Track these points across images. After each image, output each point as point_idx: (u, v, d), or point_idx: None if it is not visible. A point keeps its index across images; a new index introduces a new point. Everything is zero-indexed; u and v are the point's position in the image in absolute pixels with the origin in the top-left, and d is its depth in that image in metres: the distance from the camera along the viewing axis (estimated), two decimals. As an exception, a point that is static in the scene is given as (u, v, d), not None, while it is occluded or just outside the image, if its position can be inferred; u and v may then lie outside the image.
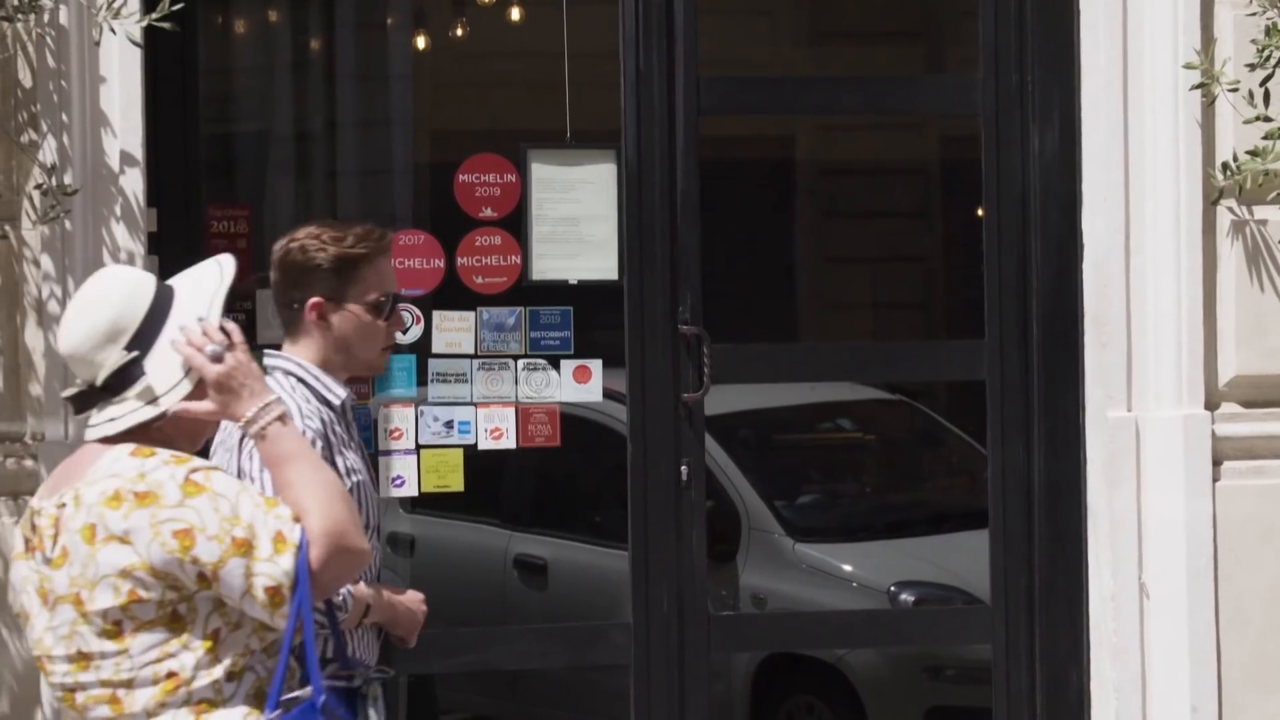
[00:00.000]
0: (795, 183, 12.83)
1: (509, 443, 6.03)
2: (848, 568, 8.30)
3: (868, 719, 8.00)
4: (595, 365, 6.08)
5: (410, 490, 6.02)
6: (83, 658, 3.64)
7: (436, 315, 6.02)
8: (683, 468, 6.13)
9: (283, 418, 3.66)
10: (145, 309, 3.67)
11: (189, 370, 3.64)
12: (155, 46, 5.60)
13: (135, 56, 5.57)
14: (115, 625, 3.59)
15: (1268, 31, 5.71)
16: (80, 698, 3.66)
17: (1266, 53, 5.69)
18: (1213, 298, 6.05)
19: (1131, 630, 6.01)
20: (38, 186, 5.46)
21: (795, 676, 8.11)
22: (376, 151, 6.61)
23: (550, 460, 6.58)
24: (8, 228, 5.56)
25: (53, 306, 5.56)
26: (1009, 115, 6.20)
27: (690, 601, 6.07)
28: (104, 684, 3.63)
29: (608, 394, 6.13)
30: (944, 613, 7.65)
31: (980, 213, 6.30)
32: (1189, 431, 6.00)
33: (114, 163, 5.60)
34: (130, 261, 5.60)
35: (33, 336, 5.59)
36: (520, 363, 6.04)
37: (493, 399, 6.02)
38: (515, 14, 8.91)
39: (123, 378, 3.64)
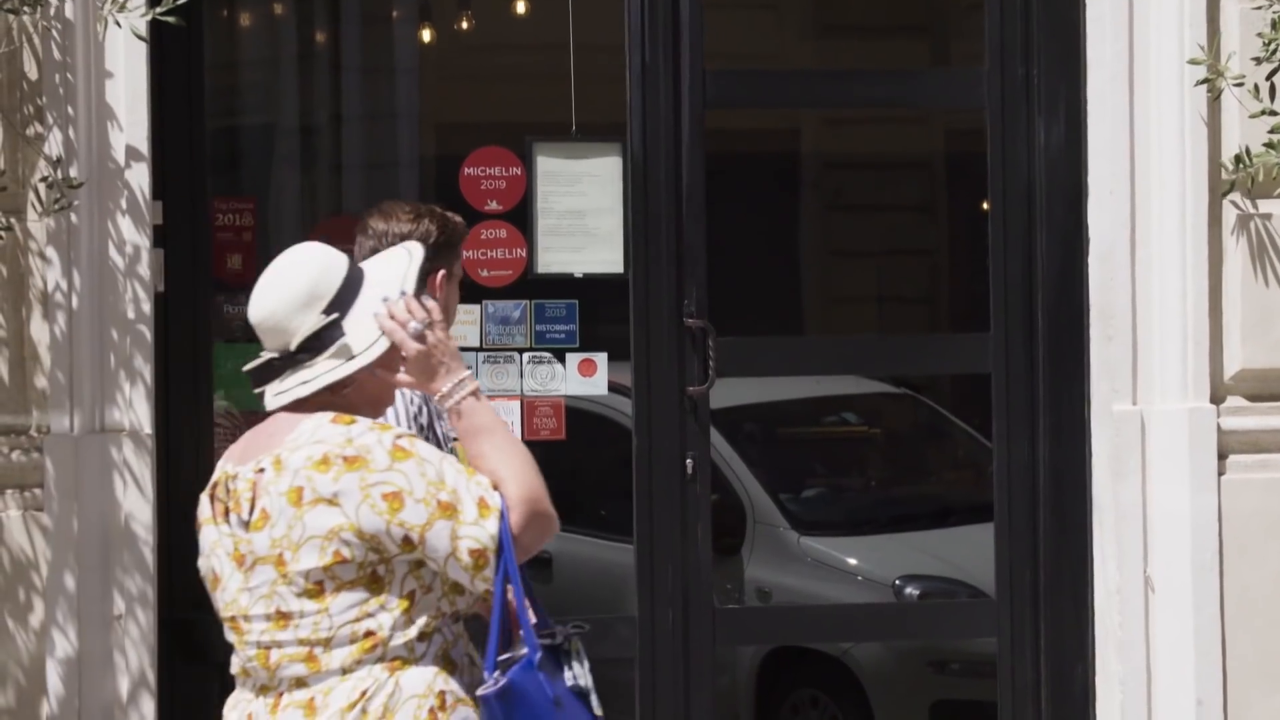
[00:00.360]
0: (800, 176, 12.83)
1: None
2: (853, 561, 8.30)
3: (872, 713, 8.00)
4: (600, 358, 6.08)
5: (415, 483, 6.01)
6: (281, 617, 3.77)
7: (442, 308, 6.01)
8: (688, 461, 6.13)
9: (476, 393, 3.84)
10: (341, 276, 3.83)
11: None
12: (161, 40, 5.60)
13: (141, 50, 5.57)
14: (317, 585, 3.74)
15: (1274, 25, 5.71)
16: (275, 655, 3.80)
17: (1272, 46, 5.69)
18: (1218, 291, 6.04)
19: (1137, 624, 6.01)
20: (43, 179, 5.46)
21: (800, 670, 8.11)
22: (382, 145, 6.61)
23: (555, 453, 6.57)
24: (13, 220, 5.56)
25: (58, 299, 5.56)
26: (1015, 109, 6.19)
27: (695, 595, 6.07)
28: (302, 642, 3.77)
29: (613, 387, 6.13)
30: (949, 606, 7.65)
31: (986, 206, 6.30)
32: (1194, 425, 6.00)
33: (119, 156, 5.60)
34: (135, 255, 5.60)
35: (38, 329, 5.59)
36: (525, 356, 6.05)
37: (498, 392, 6.03)
38: (521, 7, 8.90)
39: (320, 340, 3.80)
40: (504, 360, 6.03)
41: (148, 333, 5.62)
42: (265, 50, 6.48)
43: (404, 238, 4.53)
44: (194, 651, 5.71)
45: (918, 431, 9.90)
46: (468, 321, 6.03)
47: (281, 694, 3.84)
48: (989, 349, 6.25)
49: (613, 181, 6.05)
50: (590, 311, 6.15)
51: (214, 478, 3.88)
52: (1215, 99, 5.94)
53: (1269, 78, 5.70)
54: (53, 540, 5.55)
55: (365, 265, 3.91)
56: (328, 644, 3.76)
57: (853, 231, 12.90)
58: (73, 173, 5.50)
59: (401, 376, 3.87)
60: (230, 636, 3.88)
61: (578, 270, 6.06)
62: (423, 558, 3.73)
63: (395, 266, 3.90)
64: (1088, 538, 6.10)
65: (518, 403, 6.02)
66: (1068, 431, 6.15)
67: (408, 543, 3.71)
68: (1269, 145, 5.74)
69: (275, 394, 3.83)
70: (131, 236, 5.61)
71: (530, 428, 6.03)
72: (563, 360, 6.07)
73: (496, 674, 3.76)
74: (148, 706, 5.59)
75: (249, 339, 5.93)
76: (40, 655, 5.56)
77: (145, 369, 5.61)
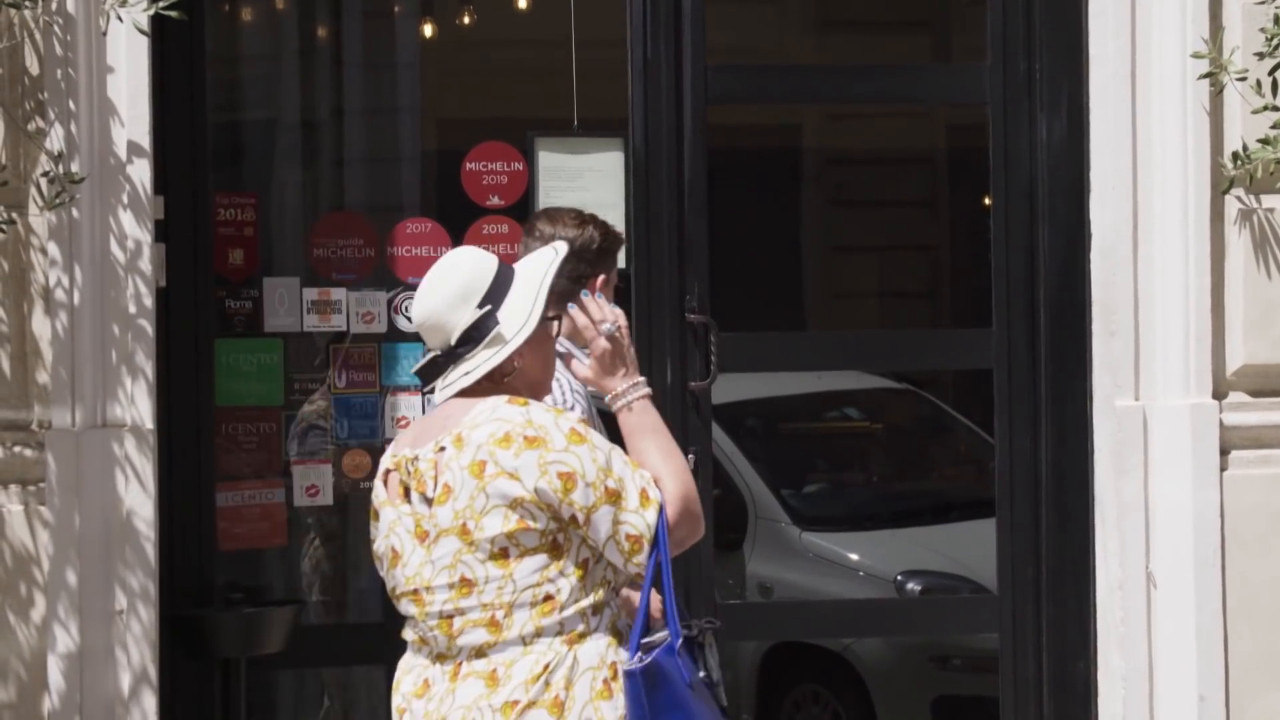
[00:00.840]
0: (803, 171, 12.83)
1: (516, 431, 6.02)
2: (854, 557, 8.29)
3: (874, 708, 8.00)
4: (602, 354, 6.07)
5: (417, 478, 6.01)
6: (465, 584, 4.04)
7: (444, 303, 6.01)
8: (690, 456, 6.11)
9: (645, 396, 4.18)
10: (493, 273, 4.12)
11: (548, 317, 4.13)
12: (162, 35, 5.60)
13: (142, 45, 5.57)
14: (502, 551, 4.02)
15: (1276, 20, 5.70)
16: (458, 623, 4.05)
17: (1275, 41, 5.68)
18: (1221, 287, 6.04)
19: (1139, 619, 6.01)
20: (45, 174, 5.46)
21: (802, 665, 8.11)
22: (384, 140, 6.60)
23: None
24: (15, 215, 5.56)
25: (59, 295, 5.56)
26: (1017, 104, 6.19)
27: (697, 590, 6.06)
28: (485, 607, 4.04)
29: None
30: (951, 602, 7.65)
31: (988, 201, 6.30)
32: (1196, 420, 6.00)
33: (121, 151, 5.60)
34: (137, 250, 5.60)
35: (40, 324, 5.59)
36: (527, 351, 6.04)
37: (500, 387, 6.02)
38: (522, 2, 8.90)
39: (477, 332, 4.10)
40: (506, 355, 6.02)
41: (149, 328, 5.62)
42: (266, 45, 6.47)
43: (569, 242, 4.70)
44: (195, 647, 5.71)
45: (920, 427, 9.89)
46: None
47: (460, 663, 4.08)
48: (991, 344, 6.25)
49: (614, 177, 6.05)
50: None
51: (387, 463, 4.14)
52: (1218, 94, 5.93)
53: (1271, 73, 5.70)
54: (54, 535, 5.55)
55: (517, 264, 4.17)
56: (510, 608, 4.02)
57: (854, 226, 12.90)
58: (74, 168, 5.50)
59: (580, 368, 4.20)
60: (409, 609, 4.10)
61: (580, 265, 6.05)
62: (585, 536, 4.03)
63: (543, 258, 4.17)
64: (1090, 533, 6.10)
65: (519, 398, 6.01)
66: (1070, 427, 6.15)
67: (574, 521, 4.01)
68: (1265, 141, 5.74)
69: (442, 388, 4.13)
70: (133, 231, 5.61)
71: (532, 423, 6.02)
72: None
73: (640, 654, 4.04)
74: (149, 702, 5.59)
75: (250, 334, 5.96)
76: (42, 650, 5.56)
77: (147, 364, 5.61)
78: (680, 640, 4.07)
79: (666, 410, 6.01)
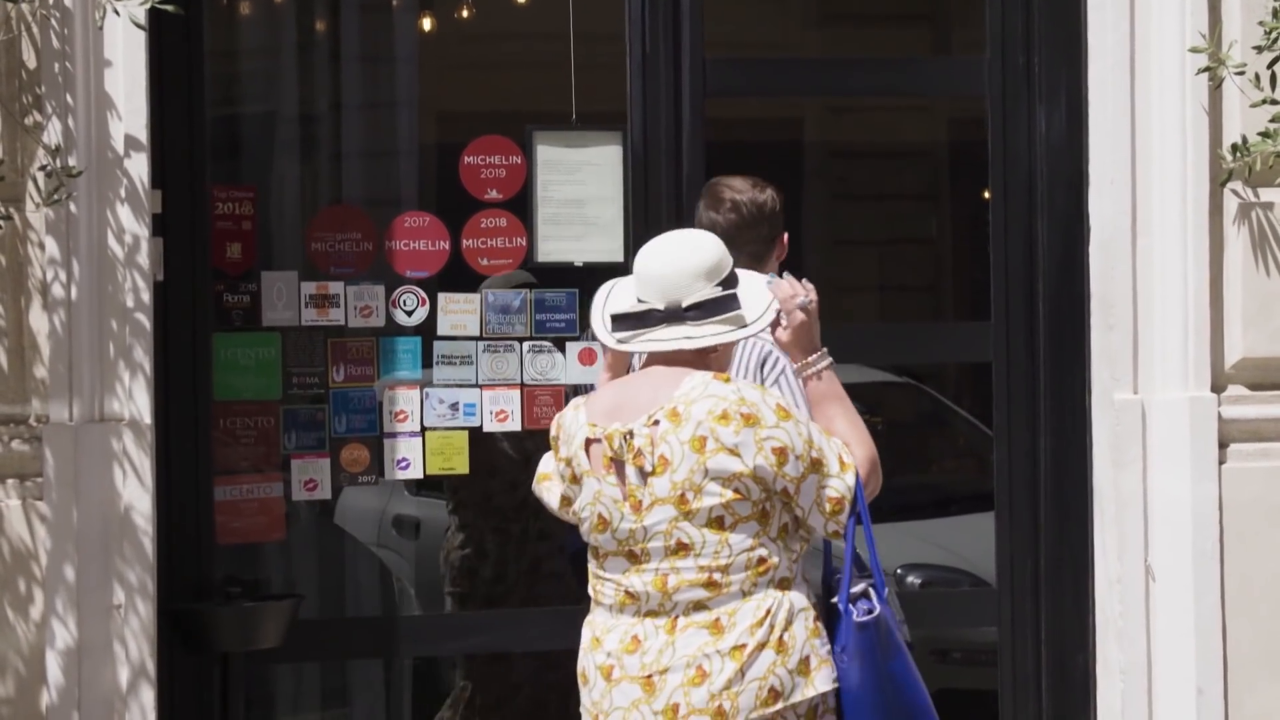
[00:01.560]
0: (802, 165, 12.82)
1: (514, 425, 6.03)
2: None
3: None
4: (599, 347, 6.07)
5: (415, 472, 6.02)
6: (682, 548, 4.43)
7: (442, 297, 6.01)
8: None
9: (830, 365, 4.58)
10: (731, 262, 4.55)
11: (771, 309, 4.54)
12: (160, 28, 5.59)
13: (139, 38, 5.56)
14: (718, 520, 4.42)
15: (1275, 14, 5.70)
16: (674, 581, 4.45)
17: (1274, 35, 5.68)
18: (1219, 280, 6.04)
19: (1137, 613, 6.01)
20: (42, 168, 5.45)
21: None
22: (382, 133, 6.59)
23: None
24: (12, 210, 5.56)
25: (57, 290, 5.55)
26: (1016, 97, 6.19)
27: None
28: (702, 569, 4.44)
29: None
30: (950, 595, 7.65)
31: (987, 194, 6.29)
32: (1195, 414, 5.99)
33: (119, 145, 5.59)
34: (134, 244, 5.59)
35: (37, 319, 5.58)
36: (525, 345, 6.04)
37: (498, 381, 6.02)
38: (521, -5, 8.90)
39: (716, 306, 4.48)
40: (504, 349, 6.02)
41: (147, 322, 5.61)
42: (264, 38, 6.47)
43: (759, 205, 5.47)
44: (193, 642, 5.70)
45: (919, 420, 9.89)
46: (468, 310, 6.02)
47: (676, 617, 4.46)
48: (990, 337, 6.24)
49: (613, 170, 6.05)
50: (590, 300, 6.13)
51: (586, 432, 4.48)
52: (1216, 87, 5.93)
53: (1270, 66, 5.69)
54: (52, 530, 5.55)
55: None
56: (727, 570, 4.43)
57: (854, 220, 12.89)
58: (71, 162, 5.49)
59: (782, 335, 4.57)
60: (618, 569, 4.47)
61: (578, 259, 6.05)
62: (792, 504, 4.45)
63: (759, 279, 4.61)
64: (1088, 526, 6.10)
65: (517, 392, 6.02)
66: (1069, 420, 6.15)
67: (784, 493, 4.43)
68: (1264, 134, 5.73)
69: (651, 340, 4.49)
70: (131, 225, 5.60)
71: (530, 417, 6.02)
72: (563, 349, 6.06)
73: (865, 605, 4.52)
74: (147, 696, 5.59)
75: (248, 328, 5.95)
76: (40, 645, 5.56)
77: (144, 358, 5.60)
78: (886, 589, 4.61)
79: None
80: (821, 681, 4.46)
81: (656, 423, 4.40)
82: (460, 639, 6.17)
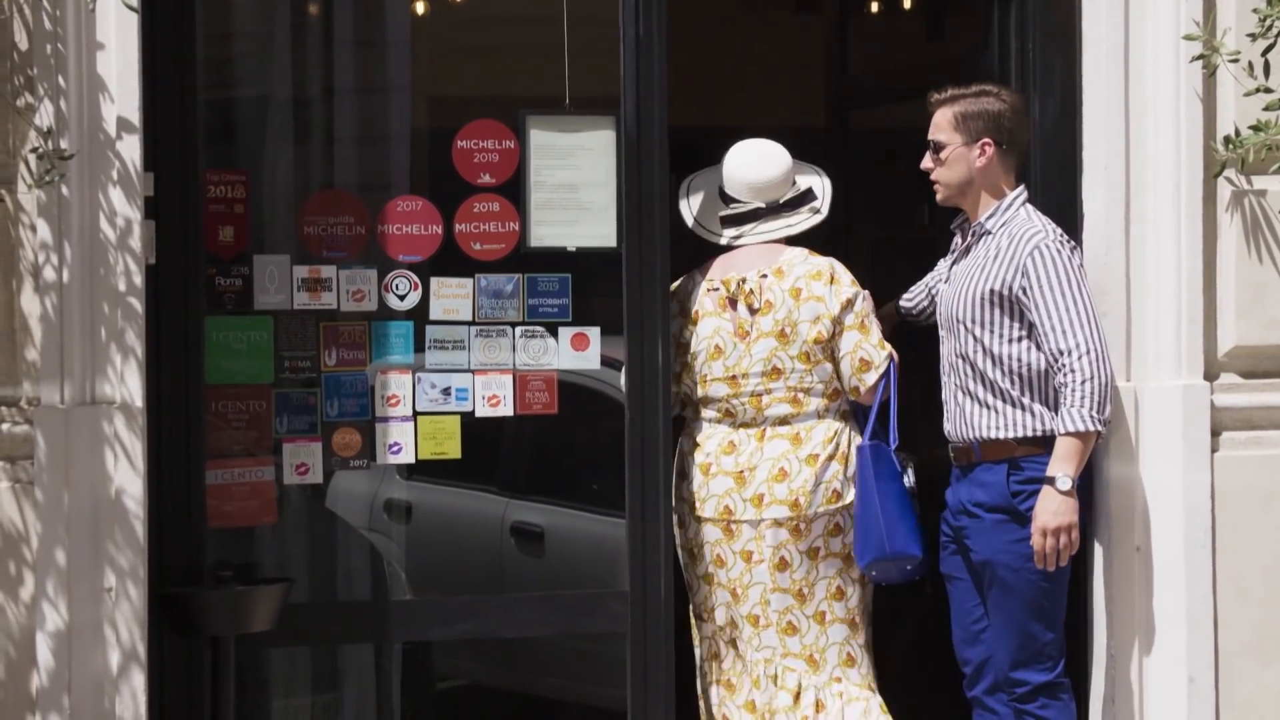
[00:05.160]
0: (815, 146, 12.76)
1: (506, 410, 6.03)
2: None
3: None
4: (593, 332, 6.07)
5: (407, 457, 6.01)
6: (776, 372, 5.99)
7: (434, 282, 6.01)
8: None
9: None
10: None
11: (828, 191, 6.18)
12: (153, 11, 5.58)
13: (132, 21, 5.55)
14: (805, 354, 5.99)
15: (1270, 1, 5.69)
16: (766, 399, 6.01)
17: (1268, 23, 5.67)
18: (1212, 268, 6.04)
19: (1128, 600, 6.01)
20: (34, 150, 5.44)
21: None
22: (375, 117, 6.57)
23: (548, 428, 6.56)
24: (3, 192, 5.55)
25: (48, 273, 5.55)
26: (1010, 84, 6.18)
27: (687, 570, 6.06)
28: (790, 389, 6.00)
29: (605, 361, 6.12)
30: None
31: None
32: (1188, 402, 6.00)
33: (111, 128, 5.58)
34: (126, 227, 5.58)
35: (29, 301, 5.58)
36: (518, 330, 6.04)
37: (490, 366, 6.02)
38: (515, -21, 8.86)
39: (801, 200, 6.12)
40: (496, 334, 6.02)
41: (139, 305, 5.60)
42: (258, 22, 6.45)
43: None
44: (184, 625, 5.70)
45: (911, 408, 9.86)
46: (460, 295, 6.01)
47: (765, 429, 6.01)
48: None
49: (606, 155, 6.04)
50: (583, 285, 6.13)
51: (706, 285, 6.03)
52: (1210, 75, 5.93)
53: (1264, 54, 5.69)
54: (43, 513, 5.54)
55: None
56: (808, 392, 6.00)
57: (849, 206, 12.84)
58: (63, 144, 5.48)
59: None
60: (720, 390, 6.01)
61: (571, 244, 6.05)
62: (835, 347, 5.98)
63: (809, 171, 6.24)
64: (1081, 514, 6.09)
65: (510, 377, 6.01)
66: (1061, 408, 6.13)
67: (838, 329, 5.98)
68: (1255, 127, 5.73)
69: (760, 232, 6.10)
70: (122, 208, 5.60)
71: (523, 402, 6.02)
72: (555, 334, 6.06)
73: (871, 444, 5.93)
74: (138, 680, 5.58)
75: (240, 312, 5.94)
76: (30, 628, 5.56)
77: (136, 341, 5.60)
78: (897, 443, 5.95)
79: (660, 388, 6.03)
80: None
81: (765, 276, 5.99)
82: (450, 624, 6.16)
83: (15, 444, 5.59)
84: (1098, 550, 6.04)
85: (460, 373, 6.01)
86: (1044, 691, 5.76)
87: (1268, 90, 5.68)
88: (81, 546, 5.54)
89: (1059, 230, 5.83)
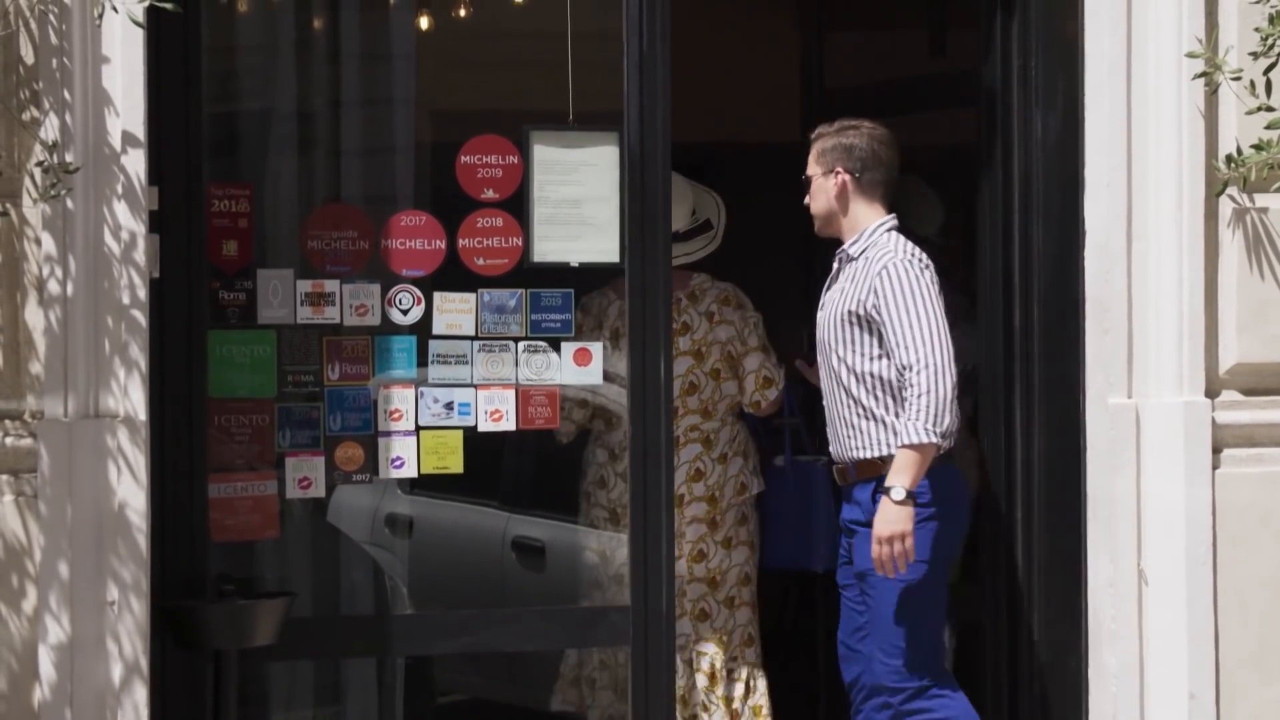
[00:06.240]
0: (797, 163, 12.77)
1: (509, 424, 6.03)
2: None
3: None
4: (596, 348, 6.08)
5: (410, 471, 6.02)
6: (692, 388, 6.66)
7: (437, 296, 6.02)
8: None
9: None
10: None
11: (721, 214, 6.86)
12: (158, 25, 5.59)
13: (137, 35, 5.56)
14: (716, 370, 6.67)
15: (1271, 20, 5.70)
16: (682, 411, 6.59)
17: (1270, 41, 5.68)
18: (1214, 285, 6.04)
19: (1130, 616, 6.02)
20: (39, 164, 5.45)
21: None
22: (379, 131, 6.58)
23: (550, 442, 6.58)
24: (9, 205, 5.56)
25: (53, 286, 5.56)
26: (1012, 100, 6.19)
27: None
28: (702, 401, 6.63)
29: (608, 376, 6.12)
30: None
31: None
32: (1189, 418, 6.00)
33: (116, 141, 5.59)
34: (131, 241, 5.59)
35: (33, 315, 5.58)
36: (521, 345, 6.04)
37: (493, 381, 6.03)
38: (519, -5, 8.88)
39: (696, 231, 6.59)
40: (499, 349, 6.02)
41: (143, 319, 5.61)
42: (262, 36, 6.46)
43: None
44: (187, 638, 5.70)
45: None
46: (464, 310, 6.02)
47: (679, 436, 6.53)
48: (984, 340, 6.24)
49: (609, 170, 6.05)
50: (584, 301, 6.13)
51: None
52: (1212, 93, 5.94)
53: (1266, 73, 5.70)
54: (46, 526, 5.55)
55: None
56: (717, 403, 6.68)
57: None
58: (69, 158, 5.49)
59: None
60: None
61: (574, 259, 6.06)
62: (739, 365, 6.64)
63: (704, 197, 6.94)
64: (1082, 530, 6.10)
65: (513, 391, 6.02)
66: (1063, 424, 6.15)
67: (740, 356, 6.72)
68: (1257, 146, 5.74)
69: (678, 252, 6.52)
70: (127, 222, 5.61)
71: (525, 417, 6.03)
72: (558, 349, 6.06)
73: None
74: (140, 693, 5.59)
75: (244, 325, 5.95)
76: (33, 641, 5.56)
77: (140, 355, 5.60)
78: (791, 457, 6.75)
79: (662, 402, 6.04)
80: (760, 483, 6.79)
81: (679, 300, 6.39)
82: (452, 638, 6.17)
83: (19, 457, 5.59)
84: (1098, 566, 6.04)
85: (463, 387, 6.02)
86: (919, 695, 5.87)
87: (1269, 109, 5.68)
88: (84, 559, 5.55)
89: (913, 250, 5.95)
